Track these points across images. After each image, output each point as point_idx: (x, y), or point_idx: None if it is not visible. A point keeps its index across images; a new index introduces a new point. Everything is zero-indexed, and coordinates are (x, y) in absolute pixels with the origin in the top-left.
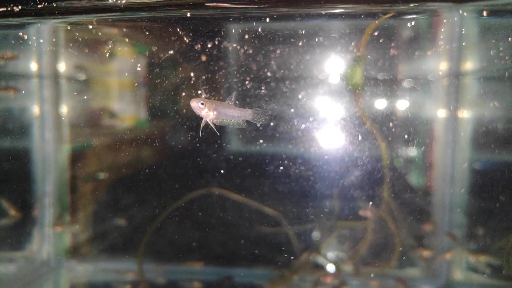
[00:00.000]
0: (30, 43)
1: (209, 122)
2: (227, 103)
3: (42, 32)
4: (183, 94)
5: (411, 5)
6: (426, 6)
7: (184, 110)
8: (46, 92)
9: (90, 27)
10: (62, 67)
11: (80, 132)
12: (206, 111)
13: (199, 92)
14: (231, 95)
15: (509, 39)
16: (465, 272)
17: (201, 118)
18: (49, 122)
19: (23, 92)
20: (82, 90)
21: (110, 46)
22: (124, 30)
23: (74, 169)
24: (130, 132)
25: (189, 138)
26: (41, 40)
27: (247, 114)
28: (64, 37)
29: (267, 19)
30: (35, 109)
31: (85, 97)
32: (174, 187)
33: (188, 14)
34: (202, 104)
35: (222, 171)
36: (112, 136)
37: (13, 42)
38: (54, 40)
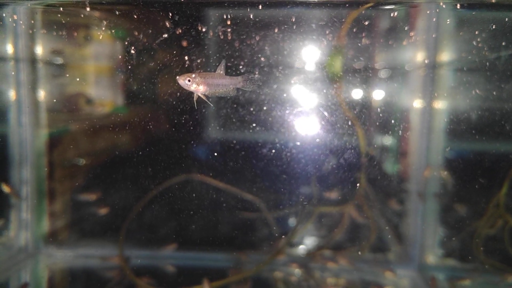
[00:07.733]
0: (6, 24)
1: (201, 96)
2: (216, 73)
3: (18, 13)
4: (165, 78)
5: None
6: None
7: (168, 96)
8: (22, 75)
9: (61, 9)
10: (39, 50)
11: (57, 117)
12: (195, 86)
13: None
14: (220, 64)
15: (477, 32)
16: (437, 256)
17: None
18: (26, 106)
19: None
20: (60, 74)
21: (88, 31)
22: (103, 14)
23: (52, 154)
24: (108, 118)
25: (171, 124)
26: (17, 21)
27: (237, 81)
28: (41, 19)
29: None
30: (11, 93)
31: (62, 82)
32: (154, 173)
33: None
34: (189, 80)
35: (202, 157)
36: (90, 122)
37: None
38: (31, 22)
